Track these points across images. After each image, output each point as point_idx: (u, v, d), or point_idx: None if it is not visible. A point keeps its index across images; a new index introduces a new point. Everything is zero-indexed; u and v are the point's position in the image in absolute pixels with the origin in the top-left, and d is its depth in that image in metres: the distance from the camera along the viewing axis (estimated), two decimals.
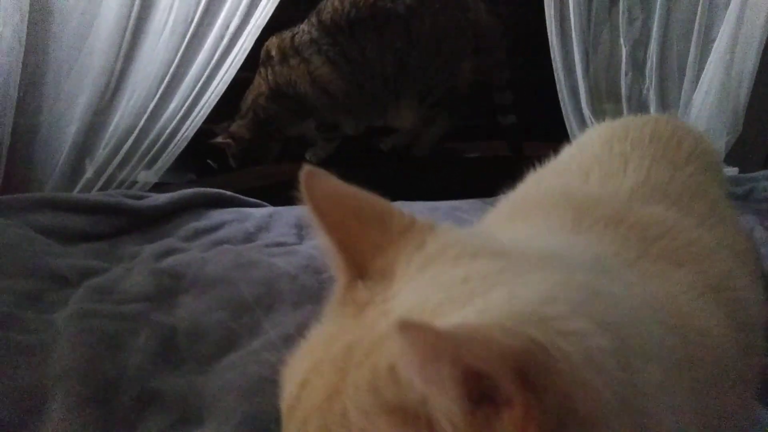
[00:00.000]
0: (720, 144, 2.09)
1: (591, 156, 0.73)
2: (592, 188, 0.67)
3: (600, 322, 0.35)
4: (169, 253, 1.16)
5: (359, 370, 0.36)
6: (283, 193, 1.62)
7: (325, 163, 1.90)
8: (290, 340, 0.94)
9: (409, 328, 0.29)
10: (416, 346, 0.29)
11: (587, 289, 0.38)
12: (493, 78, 2.05)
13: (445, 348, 0.29)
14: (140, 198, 1.33)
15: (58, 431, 0.74)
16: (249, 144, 2.00)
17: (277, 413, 0.79)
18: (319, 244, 0.47)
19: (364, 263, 0.44)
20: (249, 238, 1.26)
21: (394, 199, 1.49)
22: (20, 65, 1.44)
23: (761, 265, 0.72)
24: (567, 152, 0.81)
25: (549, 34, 1.95)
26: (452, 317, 0.35)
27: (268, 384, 0.85)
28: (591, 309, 0.36)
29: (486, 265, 0.40)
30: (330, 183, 0.46)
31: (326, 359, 0.40)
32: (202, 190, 1.40)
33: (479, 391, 0.31)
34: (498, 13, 2.26)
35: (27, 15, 1.41)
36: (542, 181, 0.75)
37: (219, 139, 1.95)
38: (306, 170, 0.46)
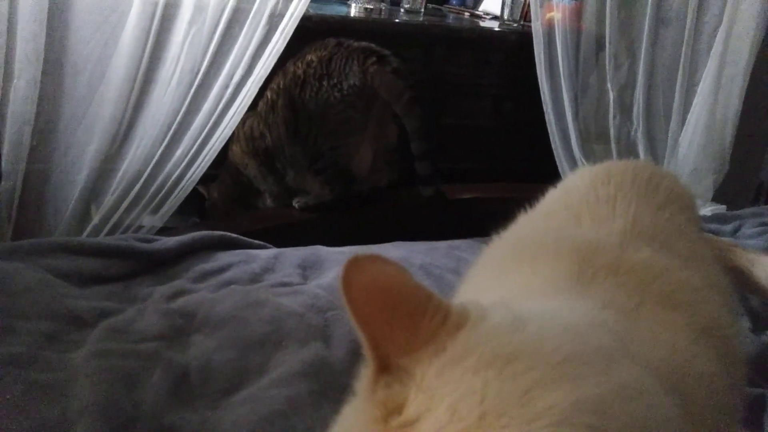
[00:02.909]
0: (707, 182, 2.16)
1: (578, 199, 0.77)
2: (587, 232, 0.71)
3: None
4: (179, 294, 1.20)
5: None
6: (283, 235, 1.65)
7: (318, 208, 1.91)
8: (297, 377, 0.99)
9: None
10: None
11: (599, 405, 0.41)
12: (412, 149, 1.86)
13: None
14: (150, 241, 1.38)
15: None
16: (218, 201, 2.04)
17: None
18: (354, 333, 0.47)
19: (390, 361, 0.45)
20: (255, 278, 1.30)
21: (392, 239, 1.53)
22: (34, 116, 1.50)
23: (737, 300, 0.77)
24: (552, 194, 0.85)
25: (539, 79, 2.03)
26: None
27: (277, 419, 0.90)
28: (604, 427, 0.39)
29: (500, 388, 0.41)
30: (372, 273, 0.46)
31: None
32: (209, 233, 1.45)
33: None
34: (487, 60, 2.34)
35: (41, 66, 1.47)
36: (534, 223, 0.80)
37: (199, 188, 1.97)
38: (351, 258, 0.46)
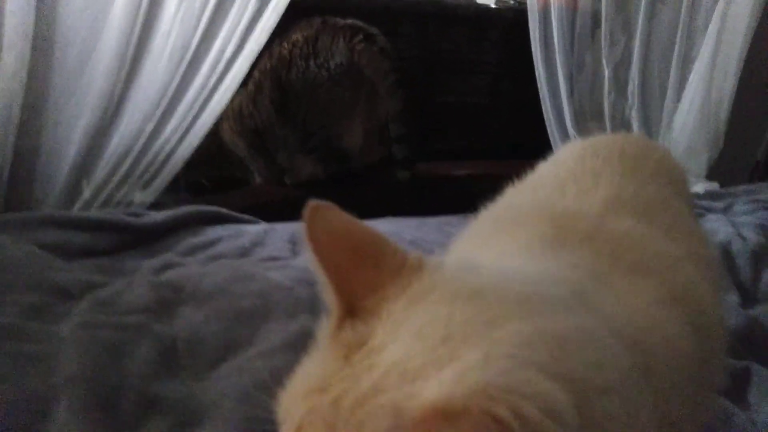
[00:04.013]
0: (701, 160, 2.16)
1: (565, 172, 0.77)
2: (569, 203, 0.71)
3: (562, 376, 0.39)
4: (168, 267, 1.20)
5: (346, 428, 0.40)
6: (273, 213, 1.66)
7: (311, 184, 1.92)
8: (284, 348, 0.99)
9: None
10: None
11: (554, 339, 0.42)
12: (387, 131, 1.92)
13: None
14: (139, 216, 1.38)
15: None
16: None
17: (273, 417, 0.83)
18: (318, 280, 0.48)
19: (355, 302, 0.46)
20: (245, 253, 1.30)
21: (383, 215, 1.55)
22: (23, 89, 1.48)
23: (724, 273, 0.78)
24: (542, 168, 0.85)
25: (534, 56, 2.02)
26: (430, 383, 0.38)
27: (265, 391, 0.90)
28: (555, 365, 0.40)
29: (465, 316, 0.42)
30: (332, 219, 0.47)
31: (318, 409, 0.42)
32: (198, 207, 1.45)
33: None
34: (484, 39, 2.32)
35: (30, 41, 1.46)
36: (521, 195, 0.80)
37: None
38: (310, 206, 0.47)
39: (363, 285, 0.46)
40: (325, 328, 0.48)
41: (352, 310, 0.46)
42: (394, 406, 0.38)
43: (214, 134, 1.85)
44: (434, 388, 0.38)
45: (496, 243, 0.63)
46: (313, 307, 1.12)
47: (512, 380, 0.37)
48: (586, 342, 0.44)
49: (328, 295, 0.47)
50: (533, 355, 0.40)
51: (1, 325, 0.92)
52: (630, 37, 2.06)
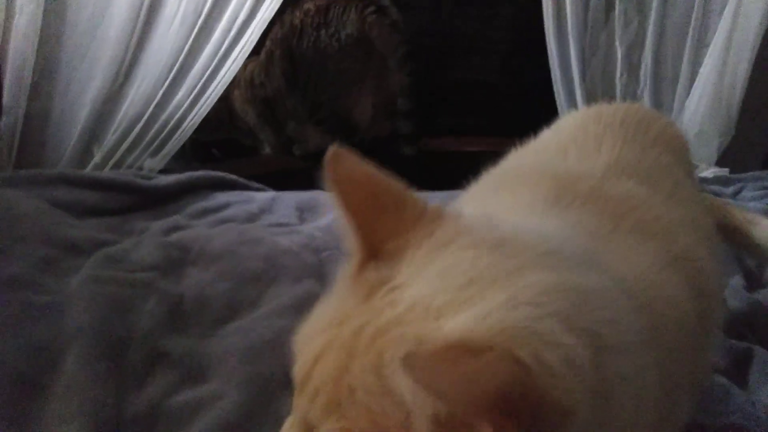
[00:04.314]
0: (712, 146, 2.14)
1: (568, 136, 0.78)
2: (571, 165, 0.72)
3: (583, 331, 0.40)
4: (176, 228, 1.21)
5: (366, 354, 0.41)
6: (281, 182, 1.66)
7: (318, 155, 1.91)
8: (289, 310, 1.00)
9: (412, 362, 0.35)
10: (415, 381, 0.35)
11: (576, 293, 0.43)
12: (397, 105, 1.91)
13: (437, 389, 0.34)
14: (150, 178, 1.39)
15: (72, 384, 0.78)
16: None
17: (277, 375, 0.84)
18: (338, 223, 0.49)
19: (377, 245, 0.46)
20: (252, 218, 1.31)
21: None
22: (35, 52, 1.49)
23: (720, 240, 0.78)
24: (545, 134, 0.86)
25: (546, 36, 2.00)
26: (454, 320, 0.39)
27: (268, 348, 0.91)
28: (577, 318, 0.41)
29: (490, 262, 0.43)
30: (354, 165, 0.48)
31: (337, 339, 0.43)
32: (208, 172, 1.46)
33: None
34: (495, 16, 2.31)
35: (42, 3, 1.47)
36: (523, 157, 0.81)
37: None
38: (332, 151, 0.48)
39: (384, 229, 0.46)
40: (345, 269, 0.48)
41: (374, 253, 0.46)
42: (417, 336, 0.39)
43: (225, 99, 1.85)
44: (458, 324, 0.39)
45: (498, 201, 0.63)
46: (319, 273, 1.13)
47: (536, 326, 0.38)
48: (604, 300, 0.45)
49: (350, 238, 0.48)
50: (556, 305, 0.40)
51: (13, 275, 0.94)
52: (644, 18, 2.03)
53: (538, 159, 0.77)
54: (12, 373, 0.78)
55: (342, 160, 0.48)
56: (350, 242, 0.48)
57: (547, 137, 0.84)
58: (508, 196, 0.66)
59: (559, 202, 0.61)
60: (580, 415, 0.37)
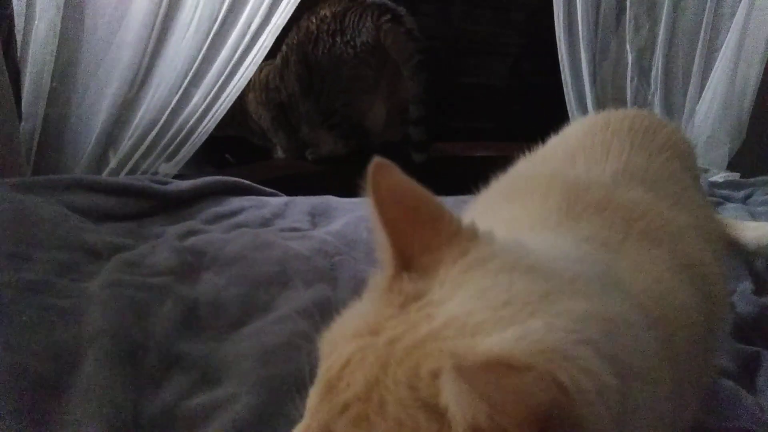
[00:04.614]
0: (723, 151, 2.14)
1: (576, 144, 0.80)
2: (580, 173, 0.73)
3: (611, 359, 0.41)
4: (191, 233, 1.23)
5: (400, 366, 0.41)
6: (293, 186, 1.68)
7: (331, 160, 1.95)
8: (302, 314, 1.02)
9: (464, 371, 0.36)
10: (469, 387, 0.36)
11: (603, 322, 0.44)
12: (409, 112, 1.92)
13: (489, 397, 0.35)
14: (165, 183, 1.41)
15: (90, 386, 0.80)
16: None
17: (289, 378, 0.86)
18: (375, 236, 0.50)
19: (411, 258, 0.47)
20: (266, 223, 1.33)
21: None
22: (54, 57, 1.52)
23: (727, 246, 0.79)
24: (553, 141, 0.87)
25: (557, 41, 2.01)
26: (492, 338, 0.40)
27: (281, 352, 0.93)
28: (606, 347, 0.42)
29: (524, 286, 0.44)
30: (395, 177, 0.48)
31: (370, 348, 0.44)
32: (222, 178, 1.48)
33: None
34: (508, 20, 2.32)
35: (62, 9, 1.49)
36: (531, 166, 0.82)
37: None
38: (376, 162, 0.48)
39: (420, 243, 0.47)
40: (377, 278, 0.49)
41: (408, 265, 0.47)
42: (454, 351, 0.40)
43: (240, 98, 1.87)
44: (496, 343, 0.40)
45: (508, 212, 0.65)
46: (330, 277, 1.15)
47: (572, 352, 0.39)
48: (626, 326, 0.46)
49: (384, 248, 0.49)
50: (588, 333, 0.42)
51: (32, 280, 0.96)
52: (654, 23, 2.04)
53: (546, 167, 0.78)
54: (31, 375, 0.80)
55: (384, 171, 0.48)
56: (384, 253, 0.49)
57: (555, 144, 0.85)
58: (517, 207, 0.67)
59: (570, 212, 0.62)
60: None
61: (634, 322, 0.47)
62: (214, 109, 1.71)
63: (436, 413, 0.39)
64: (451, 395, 0.37)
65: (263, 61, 1.75)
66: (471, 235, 0.48)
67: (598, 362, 0.40)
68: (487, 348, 0.39)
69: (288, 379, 0.87)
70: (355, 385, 0.43)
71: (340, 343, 0.47)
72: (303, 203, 1.45)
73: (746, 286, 1.31)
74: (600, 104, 2.09)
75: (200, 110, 1.69)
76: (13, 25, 1.47)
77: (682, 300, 0.56)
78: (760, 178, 1.97)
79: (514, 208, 0.66)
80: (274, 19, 1.68)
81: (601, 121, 0.84)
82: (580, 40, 2.00)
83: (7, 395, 0.76)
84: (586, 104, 2.07)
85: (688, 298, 0.57)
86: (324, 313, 1.06)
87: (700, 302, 0.58)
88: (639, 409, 0.44)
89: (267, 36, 1.69)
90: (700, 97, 2.12)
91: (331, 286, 1.12)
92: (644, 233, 0.61)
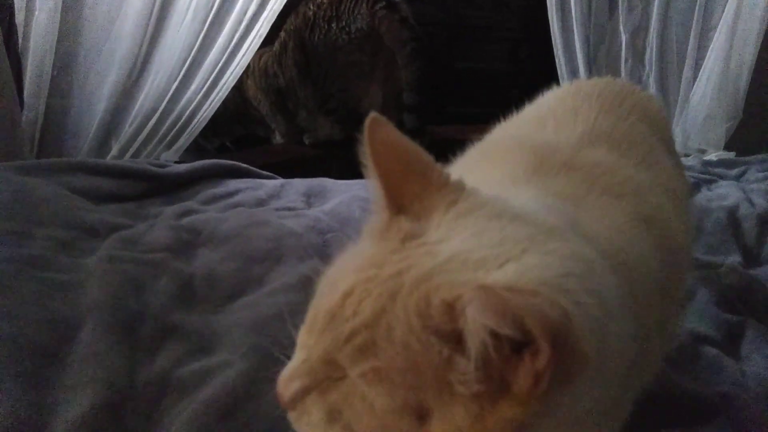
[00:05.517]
0: (720, 130, 2.14)
1: (546, 110, 0.83)
2: (549, 136, 0.76)
3: (595, 294, 0.45)
4: (188, 213, 1.27)
5: (410, 296, 0.44)
6: (290, 170, 1.70)
7: (327, 144, 1.98)
8: (293, 288, 1.05)
9: (486, 291, 0.40)
10: (490, 307, 0.40)
11: (584, 261, 0.47)
12: (403, 98, 1.96)
13: (509, 311, 0.39)
14: (163, 167, 1.44)
15: (88, 354, 0.84)
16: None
17: (279, 345, 0.89)
18: (370, 183, 0.53)
19: (405, 204, 0.51)
20: (261, 203, 1.36)
21: None
22: (54, 48, 1.55)
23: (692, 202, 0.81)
24: (526, 108, 0.90)
25: (550, 20, 2.02)
26: (494, 272, 0.44)
27: (272, 321, 0.96)
28: (589, 283, 0.45)
29: (513, 230, 0.47)
30: (389, 132, 0.51)
31: (375, 280, 0.46)
32: (220, 161, 1.51)
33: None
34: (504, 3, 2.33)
35: (61, 1, 1.53)
36: (506, 130, 0.85)
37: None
38: (372, 117, 0.51)
39: (412, 191, 0.51)
40: (373, 223, 0.52)
41: (401, 211, 0.51)
42: (462, 283, 0.43)
43: (238, 89, 1.91)
44: (499, 275, 0.43)
45: (480, 173, 0.67)
46: (323, 253, 1.18)
47: (566, 285, 0.43)
48: (600, 268, 0.49)
49: (379, 196, 0.52)
50: (576, 269, 0.45)
51: (33, 256, 1.00)
52: (648, 2, 2.04)
53: (519, 132, 0.81)
54: (32, 344, 0.83)
55: (380, 126, 0.51)
56: (380, 200, 0.52)
57: (528, 111, 0.88)
58: (492, 167, 0.70)
59: (538, 171, 0.66)
60: (591, 366, 0.42)
61: (603, 265, 0.50)
62: (212, 96, 1.74)
63: (450, 338, 0.42)
64: (476, 312, 0.40)
65: (262, 47, 1.78)
66: (459, 187, 0.51)
67: (586, 296, 0.43)
68: (492, 281, 0.43)
69: (279, 347, 0.90)
70: (362, 313, 0.45)
71: (339, 279, 0.49)
72: (299, 185, 1.48)
73: (735, 258, 1.33)
74: None
75: (198, 97, 1.73)
76: (14, 17, 1.50)
77: (641, 249, 0.59)
78: (754, 157, 1.98)
79: (487, 168, 0.69)
80: (269, 6, 1.70)
81: (573, 88, 0.87)
82: (573, 22, 2.01)
83: (9, 362, 0.79)
84: None
85: (646, 248, 0.60)
86: (315, 285, 1.10)
87: (658, 252, 0.61)
88: (611, 343, 0.47)
89: (263, 23, 1.71)
90: (695, 77, 2.12)
91: (323, 261, 1.14)
92: (606, 189, 0.64)
